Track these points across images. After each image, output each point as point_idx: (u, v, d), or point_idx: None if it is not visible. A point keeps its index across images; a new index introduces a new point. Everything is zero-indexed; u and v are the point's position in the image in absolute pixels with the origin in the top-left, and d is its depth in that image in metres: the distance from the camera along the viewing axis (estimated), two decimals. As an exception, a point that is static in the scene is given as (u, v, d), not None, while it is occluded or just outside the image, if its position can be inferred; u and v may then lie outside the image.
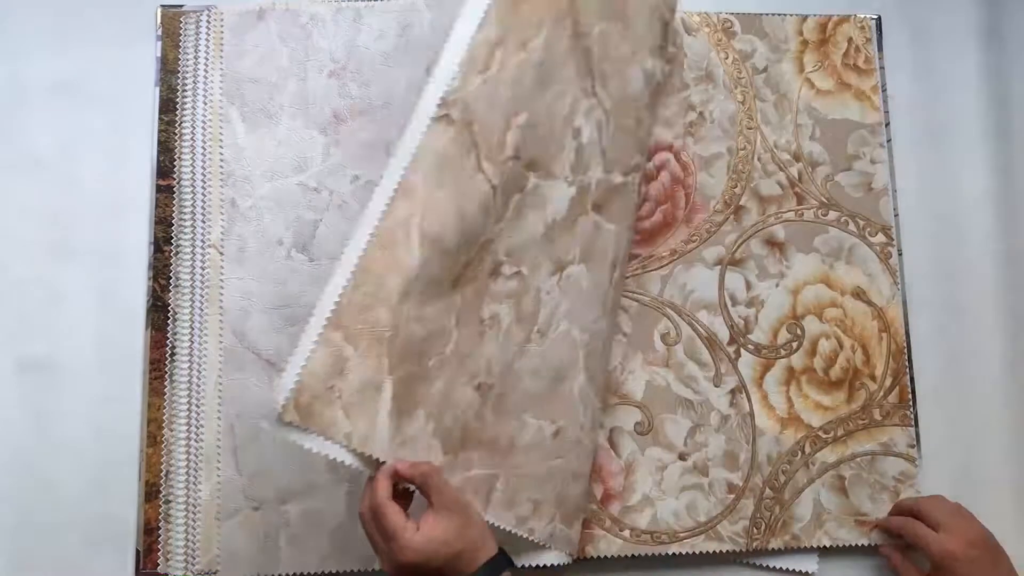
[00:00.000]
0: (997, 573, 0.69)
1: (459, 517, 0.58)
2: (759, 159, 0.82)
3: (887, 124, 0.84)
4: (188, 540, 0.73)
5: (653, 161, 0.81)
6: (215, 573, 0.73)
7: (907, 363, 0.80)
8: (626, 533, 0.75)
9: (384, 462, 0.60)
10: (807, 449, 0.78)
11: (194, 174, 0.79)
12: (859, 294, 0.81)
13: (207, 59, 0.80)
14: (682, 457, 0.77)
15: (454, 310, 0.65)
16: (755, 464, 0.77)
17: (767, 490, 0.77)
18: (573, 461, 0.71)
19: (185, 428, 0.75)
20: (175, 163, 0.79)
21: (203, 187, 0.78)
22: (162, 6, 0.81)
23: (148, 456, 0.75)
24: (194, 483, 0.74)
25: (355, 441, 0.60)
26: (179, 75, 0.80)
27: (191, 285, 0.77)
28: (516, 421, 0.68)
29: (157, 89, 0.80)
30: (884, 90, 0.85)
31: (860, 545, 0.77)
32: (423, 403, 0.63)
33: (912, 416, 0.79)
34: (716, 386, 0.78)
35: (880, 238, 0.82)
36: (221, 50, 0.80)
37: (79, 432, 0.76)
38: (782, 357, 0.79)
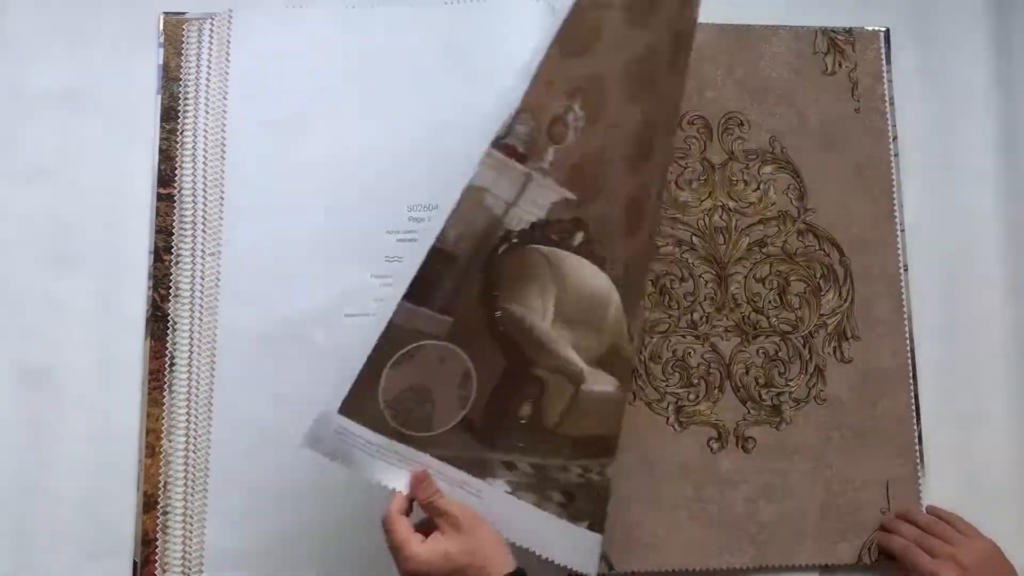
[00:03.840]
0: None
1: (465, 536, 0.60)
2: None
3: (894, 138, 0.84)
4: (186, 551, 0.73)
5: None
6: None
7: (912, 380, 0.80)
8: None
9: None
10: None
11: (195, 183, 0.78)
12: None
13: (209, 67, 0.80)
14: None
15: None
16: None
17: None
18: None
19: (183, 439, 0.75)
20: (176, 171, 0.79)
21: (204, 196, 0.78)
22: (164, 13, 0.81)
23: (146, 467, 0.74)
24: (192, 494, 0.74)
25: None
26: (181, 83, 0.80)
27: (191, 295, 0.77)
28: None
29: (159, 97, 0.80)
30: (892, 103, 0.84)
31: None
32: None
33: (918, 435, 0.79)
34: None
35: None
36: (225, 57, 0.80)
37: (77, 442, 0.75)
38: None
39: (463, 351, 0.64)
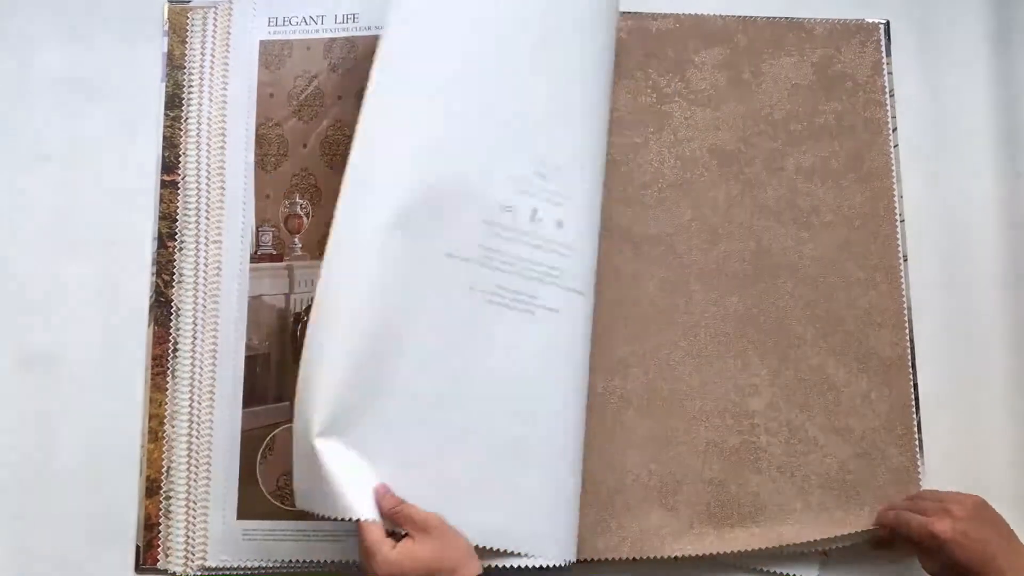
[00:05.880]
0: (995, 546, 0.67)
1: (435, 540, 0.62)
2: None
3: (894, 129, 0.84)
4: (188, 536, 0.74)
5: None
6: (215, 569, 0.73)
7: (912, 369, 0.80)
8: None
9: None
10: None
11: (199, 169, 0.79)
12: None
13: (213, 54, 0.80)
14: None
15: None
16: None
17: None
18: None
19: (187, 424, 0.75)
20: (180, 158, 0.79)
21: (207, 183, 0.78)
22: (169, 1, 0.81)
23: (149, 452, 0.75)
24: (195, 479, 0.74)
25: None
26: (185, 70, 0.80)
27: (194, 281, 0.77)
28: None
29: (163, 84, 0.80)
30: (892, 95, 0.85)
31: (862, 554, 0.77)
32: None
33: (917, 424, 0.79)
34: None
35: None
36: (227, 46, 0.80)
37: (81, 427, 0.76)
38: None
39: None
